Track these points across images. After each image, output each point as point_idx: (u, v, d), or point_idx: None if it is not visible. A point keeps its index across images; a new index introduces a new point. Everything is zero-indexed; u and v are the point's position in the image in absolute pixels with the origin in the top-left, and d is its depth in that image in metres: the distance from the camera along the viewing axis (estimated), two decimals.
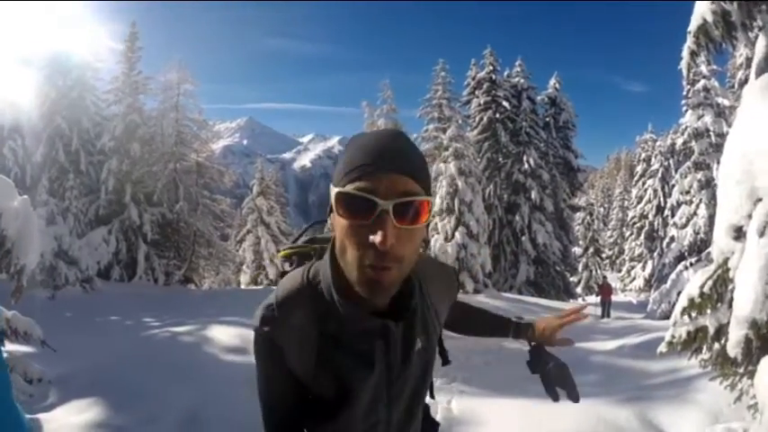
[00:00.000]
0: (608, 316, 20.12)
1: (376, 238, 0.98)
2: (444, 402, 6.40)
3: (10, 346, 6.60)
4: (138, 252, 20.77)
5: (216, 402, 5.85)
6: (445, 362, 1.59)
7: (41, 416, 5.44)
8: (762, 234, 3.65)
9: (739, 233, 4.08)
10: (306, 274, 1.23)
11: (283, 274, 1.41)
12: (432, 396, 1.53)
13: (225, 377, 6.90)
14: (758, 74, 4.74)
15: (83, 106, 20.63)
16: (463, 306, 1.72)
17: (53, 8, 16.95)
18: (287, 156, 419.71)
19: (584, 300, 33.12)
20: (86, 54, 21.08)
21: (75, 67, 20.58)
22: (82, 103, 20.63)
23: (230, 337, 9.24)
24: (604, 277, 31.35)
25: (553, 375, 1.65)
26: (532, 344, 1.73)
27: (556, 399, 1.64)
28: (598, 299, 22.52)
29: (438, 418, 6.23)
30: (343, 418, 1.24)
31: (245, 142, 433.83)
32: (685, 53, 5.11)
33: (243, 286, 30.42)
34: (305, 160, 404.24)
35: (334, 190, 1.06)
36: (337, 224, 1.06)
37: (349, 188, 1.02)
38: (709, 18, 4.69)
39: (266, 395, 1.28)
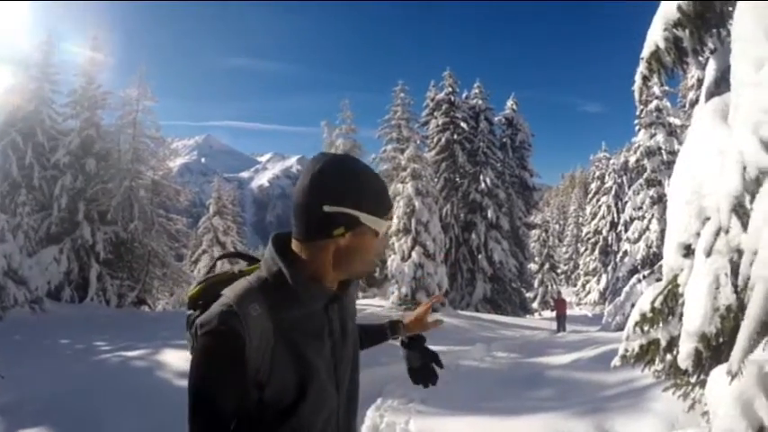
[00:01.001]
0: (563, 330, 20.41)
1: (384, 248, 1.36)
2: (402, 423, 6.38)
3: None
4: (89, 272, 20.23)
5: (169, 429, 5.70)
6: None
7: None
8: (709, 253, 3.77)
9: (688, 251, 4.20)
10: (249, 280, 1.33)
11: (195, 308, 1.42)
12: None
13: (178, 403, 6.63)
14: (708, 97, 4.90)
15: (38, 119, 20.21)
16: None
17: (12, 18, 16.62)
18: (245, 175, 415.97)
19: (540, 315, 33.50)
20: (46, 66, 20.69)
21: (33, 78, 20.17)
22: (38, 116, 20.20)
23: (184, 362, 8.98)
24: (559, 292, 31.85)
25: (421, 371, 1.89)
26: (407, 338, 1.92)
27: (417, 383, 1.92)
28: (554, 313, 22.83)
29: None
30: (306, 406, 1.28)
31: (202, 160, 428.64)
32: (638, 78, 5.25)
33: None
34: (263, 179, 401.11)
35: (376, 219, 1.34)
36: (360, 239, 1.34)
37: (387, 221, 1.38)
38: (662, 45, 4.84)
39: (214, 406, 1.22)
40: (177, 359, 9.17)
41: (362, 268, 1.40)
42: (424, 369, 1.89)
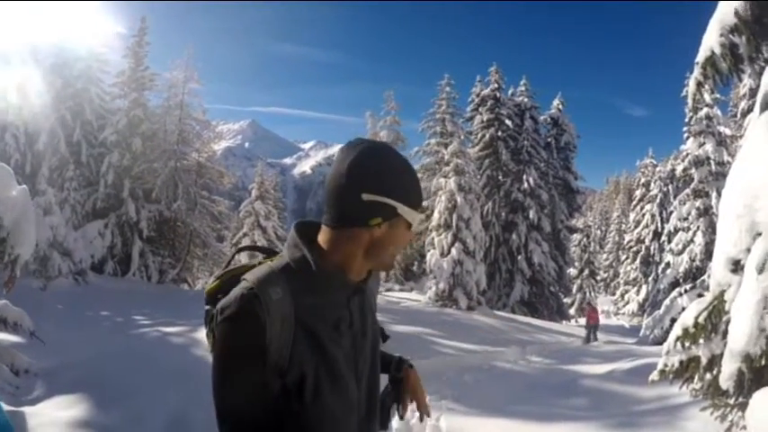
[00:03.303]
0: (594, 340, 19.82)
1: (411, 240, 1.39)
2: (433, 419, 6.36)
3: None
4: (133, 248, 20.72)
5: (203, 405, 5.76)
6: (384, 338, 1.64)
7: (26, 409, 5.39)
8: (761, 270, 3.64)
9: (737, 266, 4.07)
10: (270, 265, 1.32)
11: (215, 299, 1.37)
12: (384, 427, 1.57)
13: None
14: (763, 107, 4.75)
15: (87, 98, 20.67)
16: None
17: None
18: (287, 161, 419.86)
19: (576, 321, 32.91)
20: (94, 46, 21.15)
21: (81, 58, 20.63)
22: (86, 94, 20.67)
23: None
24: (589, 300, 31.27)
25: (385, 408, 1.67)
26: (397, 376, 1.73)
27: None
28: (582, 321, 22.31)
29: None
30: (326, 395, 1.27)
31: (246, 145, 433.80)
32: (692, 83, 5.12)
33: None
34: (305, 167, 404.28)
35: (411, 211, 1.33)
36: (391, 232, 1.33)
37: (419, 214, 1.39)
38: (717, 50, 4.71)
39: (236, 395, 1.22)
40: None
41: (390, 261, 1.38)
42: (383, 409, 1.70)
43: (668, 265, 22.24)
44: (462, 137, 27.18)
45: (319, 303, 1.29)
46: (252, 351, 1.20)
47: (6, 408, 4.80)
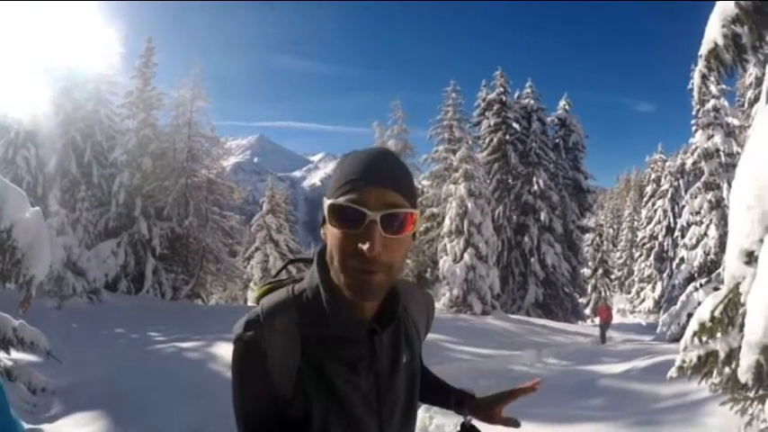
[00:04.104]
0: (602, 339, 19.39)
1: (364, 246, 1.07)
2: (451, 426, 6.32)
3: (15, 355, 6.62)
4: (146, 265, 20.83)
5: (220, 421, 5.78)
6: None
7: (44, 426, 5.43)
8: None
9: (751, 258, 4.03)
10: (290, 289, 1.27)
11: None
12: None
13: (229, 396, 6.81)
14: None
15: (97, 119, 20.92)
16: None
17: (72, 20, 17.25)
18: (297, 174, 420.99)
19: (592, 321, 32.70)
20: (103, 68, 21.34)
21: (90, 80, 20.85)
22: (96, 116, 20.92)
23: None
24: (603, 299, 30.99)
25: None
26: (469, 425, 1.59)
27: None
28: (597, 321, 22.06)
29: None
30: None
31: (255, 160, 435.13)
32: (696, 76, 5.09)
33: (250, 303, 30.38)
34: (315, 179, 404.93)
35: (326, 202, 1.13)
36: (328, 233, 1.15)
37: (341, 200, 1.11)
38: (720, 42, 4.69)
39: (245, 414, 1.23)
40: (229, 353, 9.28)
41: (339, 275, 1.14)
42: None
43: (682, 260, 22.06)
44: (470, 142, 27.11)
45: (331, 337, 1.22)
46: (255, 374, 1.20)
47: (25, 426, 4.83)
